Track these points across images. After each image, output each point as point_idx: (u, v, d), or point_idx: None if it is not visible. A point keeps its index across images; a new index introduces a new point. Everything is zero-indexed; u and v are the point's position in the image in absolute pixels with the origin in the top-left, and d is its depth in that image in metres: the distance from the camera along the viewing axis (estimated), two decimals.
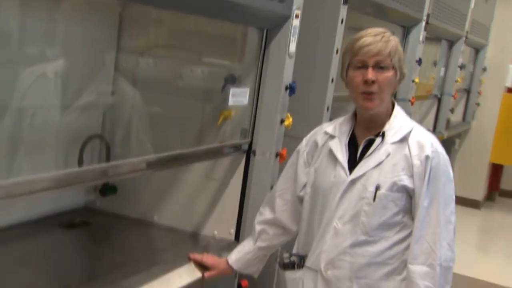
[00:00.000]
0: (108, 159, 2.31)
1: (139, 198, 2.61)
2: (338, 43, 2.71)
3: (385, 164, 1.86)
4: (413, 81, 3.92)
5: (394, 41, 1.86)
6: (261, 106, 2.39)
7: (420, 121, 4.40)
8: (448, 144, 6.24)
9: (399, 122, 1.92)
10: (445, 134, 5.48)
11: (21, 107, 1.96)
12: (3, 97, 1.86)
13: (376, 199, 1.85)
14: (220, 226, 2.49)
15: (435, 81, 5.32)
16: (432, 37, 4.52)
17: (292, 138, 2.35)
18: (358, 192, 1.87)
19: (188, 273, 2.10)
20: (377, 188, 1.85)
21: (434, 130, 5.33)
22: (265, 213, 2.14)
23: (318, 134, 2.04)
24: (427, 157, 1.84)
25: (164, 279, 2.00)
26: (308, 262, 1.98)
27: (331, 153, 1.95)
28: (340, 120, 2.02)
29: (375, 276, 1.88)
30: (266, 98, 2.38)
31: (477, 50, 6.73)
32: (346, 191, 1.89)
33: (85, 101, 2.20)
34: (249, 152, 2.43)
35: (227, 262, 2.13)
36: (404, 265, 1.87)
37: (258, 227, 2.13)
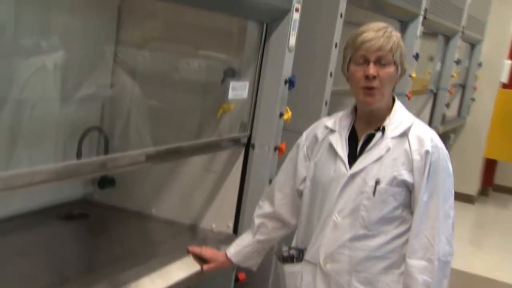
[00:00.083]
0: (106, 151, 2.30)
1: (137, 190, 2.61)
2: (337, 37, 2.71)
3: (385, 158, 1.87)
4: (410, 76, 3.91)
5: (396, 36, 1.86)
6: (261, 100, 2.39)
7: (416, 116, 4.38)
8: (443, 139, 6.21)
9: (400, 117, 1.92)
10: (441, 129, 5.49)
11: (20, 99, 1.95)
12: (2, 89, 1.85)
13: (376, 193, 1.85)
14: (218, 219, 2.50)
15: (431, 76, 5.33)
16: (429, 32, 4.52)
17: (291, 132, 2.35)
18: (358, 186, 1.88)
19: (187, 265, 2.10)
20: (377, 182, 1.85)
21: (429, 125, 5.27)
22: (264, 207, 2.14)
23: (318, 128, 2.04)
24: (427, 152, 1.85)
25: (163, 272, 2.00)
26: (307, 256, 1.99)
27: (331, 147, 1.96)
28: (340, 114, 2.02)
29: (374, 270, 1.89)
30: (266, 92, 2.38)
31: (473, 45, 6.74)
32: (346, 185, 1.89)
33: (84, 93, 2.20)
34: (248, 146, 2.44)
35: (226, 255, 2.13)
36: (402, 259, 1.88)
37: (257, 221, 2.14)
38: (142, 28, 2.47)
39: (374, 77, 1.82)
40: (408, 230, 1.88)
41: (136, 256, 2.14)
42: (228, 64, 2.41)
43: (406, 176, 1.85)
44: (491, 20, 6.82)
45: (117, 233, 2.45)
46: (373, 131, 1.92)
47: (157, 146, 2.12)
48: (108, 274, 1.94)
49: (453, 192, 1.91)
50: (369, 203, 1.86)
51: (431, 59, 5.26)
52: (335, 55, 2.72)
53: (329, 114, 2.65)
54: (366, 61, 1.84)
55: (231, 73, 2.35)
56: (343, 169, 1.91)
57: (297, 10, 2.33)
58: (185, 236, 2.45)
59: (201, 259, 2.13)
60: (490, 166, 8.00)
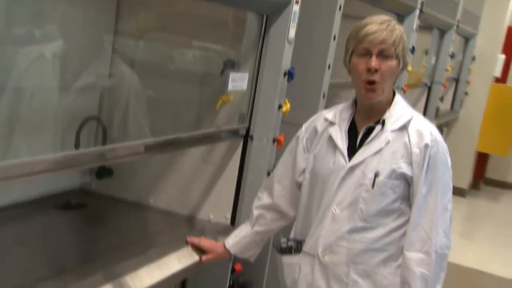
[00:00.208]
0: (104, 141, 2.29)
1: (135, 181, 2.60)
2: (336, 30, 2.71)
3: (385, 151, 1.88)
4: (406, 69, 3.92)
5: (399, 30, 1.86)
6: (260, 92, 2.39)
7: None
8: None
9: (399, 110, 1.93)
10: (434, 123, 5.49)
11: (18, 88, 1.94)
12: (0, 78, 1.84)
13: (375, 186, 1.86)
14: (216, 210, 2.50)
15: (425, 70, 5.34)
16: (424, 26, 4.53)
17: (289, 124, 2.36)
18: (357, 179, 1.89)
19: (185, 256, 2.10)
20: (376, 175, 1.86)
21: None
22: (263, 198, 2.15)
23: (318, 120, 2.05)
24: (426, 146, 1.86)
25: (160, 263, 2.01)
26: (306, 247, 2.00)
27: (330, 140, 1.96)
28: (340, 107, 2.02)
29: (372, 262, 1.90)
30: (265, 84, 2.38)
31: (467, 39, 6.76)
32: (345, 177, 1.90)
33: (82, 83, 2.18)
34: (247, 137, 2.44)
35: (224, 246, 2.14)
36: (400, 251, 1.89)
37: (255, 212, 2.14)
38: (142, 18, 2.46)
39: (376, 70, 1.83)
40: (406, 223, 1.89)
41: (134, 246, 2.14)
42: (227, 56, 2.41)
43: (405, 169, 1.86)
44: (486, 14, 6.83)
45: (114, 223, 2.44)
46: (373, 124, 1.92)
47: (156, 137, 2.12)
48: (106, 264, 1.94)
49: (451, 186, 1.92)
50: (368, 195, 1.87)
51: (426, 52, 5.27)
52: (333, 47, 2.72)
53: (327, 106, 2.65)
54: (369, 54, 1.84)
55: (231, 65, 2.34)
56: (343, 162, 1.91)
57: (297, 2, 2.32)
58: (183, 227, 2.45)
59: (199, 250, 2.14)
60: (481, 159, 8.05)
